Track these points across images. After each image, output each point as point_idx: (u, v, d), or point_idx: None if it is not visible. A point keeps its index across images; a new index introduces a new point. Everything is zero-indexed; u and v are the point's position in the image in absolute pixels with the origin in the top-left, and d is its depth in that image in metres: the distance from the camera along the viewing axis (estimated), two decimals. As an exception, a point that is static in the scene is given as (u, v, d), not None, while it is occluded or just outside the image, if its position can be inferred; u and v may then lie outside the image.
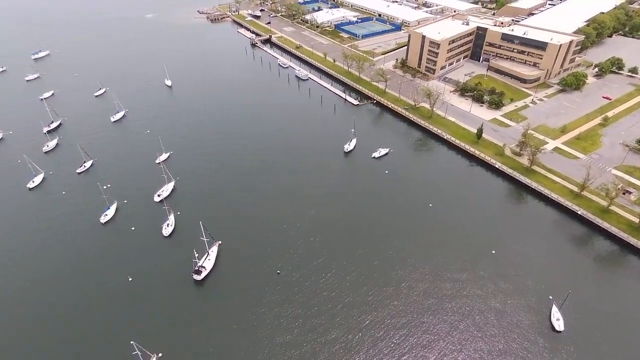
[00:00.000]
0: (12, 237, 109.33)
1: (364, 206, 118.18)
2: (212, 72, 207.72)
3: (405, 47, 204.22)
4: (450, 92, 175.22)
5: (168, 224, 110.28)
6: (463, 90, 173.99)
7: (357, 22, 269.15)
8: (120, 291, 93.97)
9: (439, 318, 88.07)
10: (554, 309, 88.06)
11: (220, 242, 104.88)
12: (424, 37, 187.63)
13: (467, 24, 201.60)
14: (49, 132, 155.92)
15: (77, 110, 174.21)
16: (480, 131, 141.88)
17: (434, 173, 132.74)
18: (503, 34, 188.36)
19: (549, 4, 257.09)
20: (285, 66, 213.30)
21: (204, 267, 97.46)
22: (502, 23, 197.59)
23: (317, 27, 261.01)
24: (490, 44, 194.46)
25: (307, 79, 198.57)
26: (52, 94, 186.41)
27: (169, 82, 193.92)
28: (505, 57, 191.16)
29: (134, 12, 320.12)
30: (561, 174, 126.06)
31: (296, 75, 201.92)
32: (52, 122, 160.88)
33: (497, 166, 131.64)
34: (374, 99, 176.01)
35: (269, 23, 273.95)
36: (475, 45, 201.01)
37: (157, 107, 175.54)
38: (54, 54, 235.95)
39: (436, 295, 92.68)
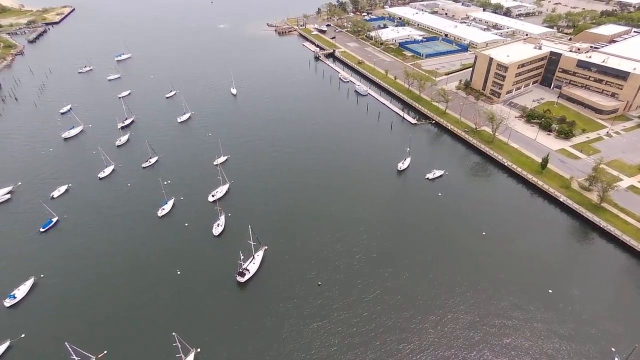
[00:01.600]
0: (81, 221, 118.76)
1: (414, 227, 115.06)
2: (275, 83, 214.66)
3: (471, 68, 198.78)
4: (516, 117, 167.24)
5: (218, 224, 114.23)
6: (530, 116, 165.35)
7: (422, 41, 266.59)
8: (168, 282, 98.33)
9: (485, 357, 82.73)
10: (617, 363, 79.77)
11: (266, 247, 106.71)
12: (491, 59, 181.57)
13: (540, 48, 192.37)
14: (122, 127, 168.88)
15: (148, 109, 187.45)
16: (545, 161, 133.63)
17: (491, 200, 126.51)
18: (579, 60, 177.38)
19: (634, 32, 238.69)
20: (345, 80, 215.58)
21: (248, 270, 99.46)
22: (578, 49, 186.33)
23: (381, 44, 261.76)
24: (564, 71, 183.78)
25: (367, 95, 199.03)
26: (129, 93, 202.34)
27: (234, 91, 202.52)
28: (579, 85, 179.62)
29: (209, 22, 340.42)
30: (636, 215, 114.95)
31: (356, 90, 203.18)
32: (126, 118, 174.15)
33: (561, 200, 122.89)
34: (433, 119, 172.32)
35: (333, 38, 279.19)
36: (547, 70, 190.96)
37: (221, 112, 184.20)
38: (135, 57, 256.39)
39: (483, 331, 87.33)
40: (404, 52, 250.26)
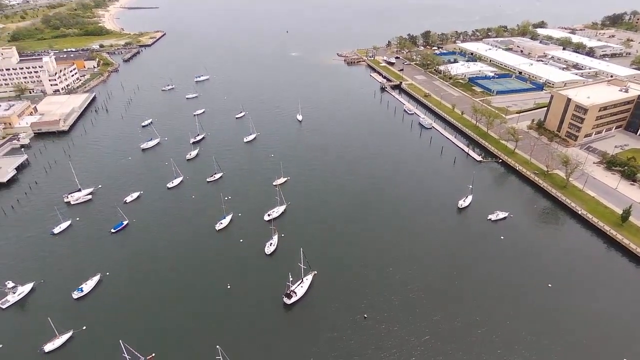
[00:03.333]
0: (148, 227, 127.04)
1: (472, 270, 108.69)
2: (340, 111, 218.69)
3: (545, 108, 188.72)
4: (594, 163, 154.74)
5: (271, 244, 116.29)
6: (611, 163, 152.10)
7: (493, 77, 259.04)
8: (218, 295, 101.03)
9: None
10: None
11: (316, 272, 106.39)
12: (569, 99, 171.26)
13: (626, 91, 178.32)
14: (193, 143, 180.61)
15: (219, 127, 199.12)
16: (627, 213, 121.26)
17: (560, 250, 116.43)
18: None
19: None
20: (410, 112, 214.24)
21: (295, 293, 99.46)
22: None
23: (450, 78, 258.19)
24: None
25: (431, 128, 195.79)
26: (203, 112, 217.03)
27: (299, 117, 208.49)
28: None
29: (282, 49, 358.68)
30: None
31: (420, 123, 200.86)
32: (198, 135, 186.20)
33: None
34: (500, 158, 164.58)
35: (401, 70, 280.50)
36: (634, 115, 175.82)
37: (285, 136, 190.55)
38: (212, 79, 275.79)
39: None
40: (473, 88, 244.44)
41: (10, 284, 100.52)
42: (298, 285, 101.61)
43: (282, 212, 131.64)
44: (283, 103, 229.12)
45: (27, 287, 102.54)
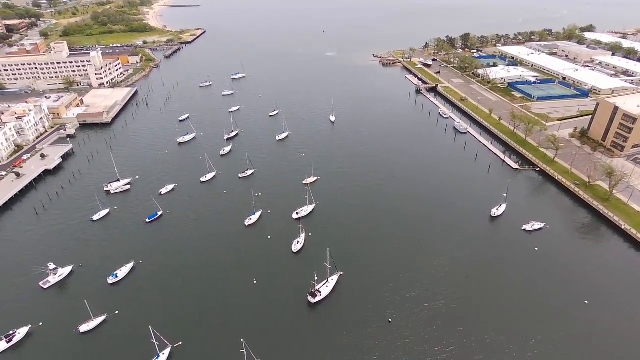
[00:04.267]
0: (181, 218, 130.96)
1: (503, 281, 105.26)
2: (373, 113, 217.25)
3: (590, 116, 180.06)
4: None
5: (298, 242, 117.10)
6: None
7: (534, 82, 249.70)
8: (244, 289, 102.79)
9: None
10: None
11: (341, 273, 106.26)
12: (616, 108, 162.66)
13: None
14: (227, 139, 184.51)
15: (253, 124, 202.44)
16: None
17: (598, 265, 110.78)
18: None
19: None
20: (445, 116, 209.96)
21: (320, 292, 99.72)
22: None
23: (489, 82, 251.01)
24: None
25: (466, 133, 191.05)
26: (238, 109, 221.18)
27: (332, 118, 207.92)
28: None
29: (318, 49, 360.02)
30: None
31: (454, 127, 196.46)
32: (232, 131, 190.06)
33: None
34: (538, 167, 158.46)
35: (438, 72, 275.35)
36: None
37: (317, 135, 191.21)
38: (249, 77, 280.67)
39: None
40: (512, 93, 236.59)
41: (51, 266, 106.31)
42: (323, 284, 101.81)
43: (311, 211, 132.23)
44: (316, 103, 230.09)
45: (67, 270, 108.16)
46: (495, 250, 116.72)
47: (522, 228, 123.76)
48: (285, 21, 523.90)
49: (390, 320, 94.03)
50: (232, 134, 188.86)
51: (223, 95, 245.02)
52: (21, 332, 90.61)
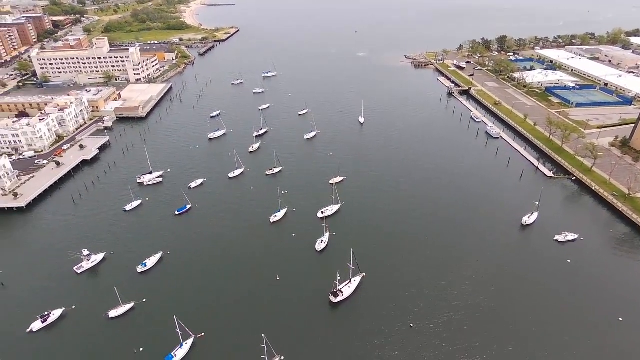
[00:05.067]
0: (208, 212, 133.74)
1: (532, 292, 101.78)
2: (403, 115, 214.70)
3: (633, 125, 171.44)
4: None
5: (322, 241, 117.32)
6: None
7: (574, 88, 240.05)
8: (267, 285, 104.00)
9: None
10: None
11: (364, 274, 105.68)
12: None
13: None
14: (256, 136, 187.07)
15: (281, 123, 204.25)
16: None
17: (635, 281, 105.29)
18: None
19: None
20: (477, 120, 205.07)
21: (342, 292, 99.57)
22: None
23: (525, 86, 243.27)
24: None
25: (498, 138, 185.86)
26: (268, 107, 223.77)
27: (361, 120, 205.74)
28: None
29: (350, 49, 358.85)
30: None
31: (487, 132, 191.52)
32: (261, 129, 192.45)
33: None
34: (574, 175, 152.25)
35: (471, 75, 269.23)
36: None
37: (345, 136, 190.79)
38: (280, 75, 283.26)
39: None
40: (549, 98, 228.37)
41: (85, 252, 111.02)
42: (345, 285, 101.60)
43: (336, 211, 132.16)
44: (346, 103, 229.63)
45: (100, 257, 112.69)
46: (525, 260, 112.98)
47: (555, 238, 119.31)
48: (318, 21, 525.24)
49: (412, 325, 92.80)
50: (261, 132, 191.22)
51: (254, 93, 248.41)
52: (55, 314, 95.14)
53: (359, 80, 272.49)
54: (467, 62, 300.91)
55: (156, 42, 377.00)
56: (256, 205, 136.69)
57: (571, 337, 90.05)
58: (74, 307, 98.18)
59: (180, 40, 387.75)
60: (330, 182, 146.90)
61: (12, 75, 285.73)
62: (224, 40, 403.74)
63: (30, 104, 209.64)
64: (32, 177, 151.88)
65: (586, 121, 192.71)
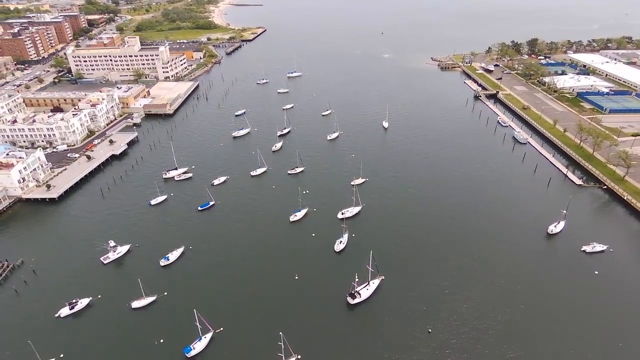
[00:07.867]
0: (230, 209, 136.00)
1: (557, 304, 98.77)
2: (428, 117, 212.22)
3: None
4: None
5: (341, 241, 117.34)
6: None
7: (608, 93, 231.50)
8: (286, 283, 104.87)
9: None
10: None
11: (383, 277, 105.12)
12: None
13: None
14: (280, 135, 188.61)
15: (305, 123, 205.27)
16: None
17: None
18: None
19: None
20: (504, 125, 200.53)
21: (360, 294, 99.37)
22: None
23: (555, 91, 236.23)
24: None
25: (526, 143, 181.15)
26: (292, 107, 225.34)
27: (385, 124, 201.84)
28: None
29: (375, 50, 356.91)
30: None
31: (514, 137, 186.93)
32: (285, 128, 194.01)
33: None
34: (605, 184, 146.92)
35: (499, 79, 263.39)
36: None
37: (368, 138, 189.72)
38: (304, 75, 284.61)
39: None
40: (581, 103, 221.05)
41: (112, 243, 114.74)
42: (364, 287, 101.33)
43: (357, 213, 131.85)
44: (370, 105, 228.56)
45: (125, 248, 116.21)
46: (550, 269, 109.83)
47: (582, 249, 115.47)
48: (343, 22, 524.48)
49: (430, 330, 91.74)
50: (285, 131, 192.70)
51: (278, 92, 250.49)
52: (83, 302, 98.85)
53: (383, 82, 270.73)
54: (496, 65, 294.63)
55: (185, 41, 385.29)
56: (277, 204, 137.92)
57: (598, 351, 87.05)
58: (99, 296, 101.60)
59: (208, 39, 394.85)
60: (352, 183, 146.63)
61: (49, 71, 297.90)
62: (250, 40, 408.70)
63: (65, 100, 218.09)
64: (65, 169, 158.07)
65: (620, 128, 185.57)
